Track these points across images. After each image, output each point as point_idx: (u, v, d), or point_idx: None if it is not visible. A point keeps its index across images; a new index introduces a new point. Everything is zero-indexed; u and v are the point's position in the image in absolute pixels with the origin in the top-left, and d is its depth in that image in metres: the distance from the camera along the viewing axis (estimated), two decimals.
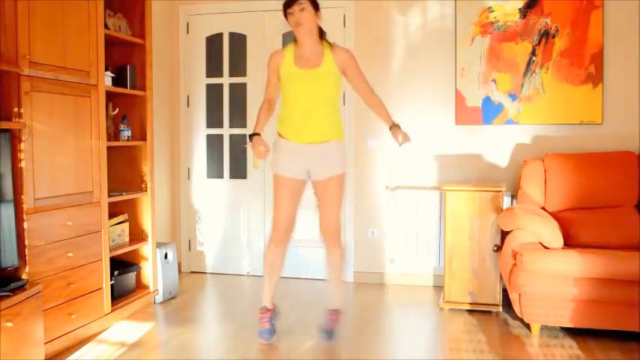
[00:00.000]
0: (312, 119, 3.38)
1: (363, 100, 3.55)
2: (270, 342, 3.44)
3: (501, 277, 3.96)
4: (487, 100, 4.58)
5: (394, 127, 3.41)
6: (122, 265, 4.02)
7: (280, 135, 3.47)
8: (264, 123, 3.46)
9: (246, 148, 3.33)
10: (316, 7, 3.34)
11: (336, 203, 3.48)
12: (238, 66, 5.11)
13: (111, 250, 3.77)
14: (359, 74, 3.45)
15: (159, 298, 4.28)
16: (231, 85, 5.15)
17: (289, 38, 5.00)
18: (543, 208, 4.09)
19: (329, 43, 3.42)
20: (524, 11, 4.48)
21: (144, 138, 4.14)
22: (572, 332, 3.59)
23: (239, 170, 5.15)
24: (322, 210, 3.50)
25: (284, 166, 3.44)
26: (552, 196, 4.09)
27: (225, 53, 5.13)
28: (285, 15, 3.35)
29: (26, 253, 3.03)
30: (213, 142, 5.19)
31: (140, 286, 4.21)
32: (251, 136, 3.39)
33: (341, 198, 3.50)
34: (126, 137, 4.04)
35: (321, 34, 3.42)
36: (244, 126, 5.07)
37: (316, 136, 3.40)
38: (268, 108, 3.49)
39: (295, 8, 3.28)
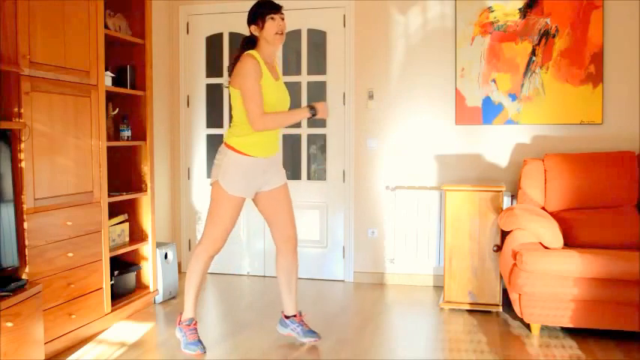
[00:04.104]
0: (277, 131, 3.29)
1: None
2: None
3: (501, 277, 3.96)
4: (487, 100, 4.57)
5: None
6: (122, 265, 4.02)
7: (241, 152, 3.16)
8: None
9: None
10: None
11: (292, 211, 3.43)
12: None
13: (111, 250, 3.78)
14: None
15: (159, 298, 4.29)
16: None
17: (291, 38, 5.02)
18: (543, 208, 4.09)
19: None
20: (524, 11, 4.47)
21: (144, 138, 4.14)
22: (572, 332, 3.59)
23: None
24: (279, 220, 3.36)
25: (240, 187, 3.20)
26: (552, 196, 4.09)
27: (225, 53, 5.12)
28: (264, 17, 3.07)
29: (26, 253, 3.03)
30: (213, 142, 5.18)
31: (140, 286, 4.22)
32: (311, 106, 3.18)
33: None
34: (126, 137, 4.04)
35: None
36: None
37: (276, 147, 3.33)
38: None
39: (280, 15, 3.08)
